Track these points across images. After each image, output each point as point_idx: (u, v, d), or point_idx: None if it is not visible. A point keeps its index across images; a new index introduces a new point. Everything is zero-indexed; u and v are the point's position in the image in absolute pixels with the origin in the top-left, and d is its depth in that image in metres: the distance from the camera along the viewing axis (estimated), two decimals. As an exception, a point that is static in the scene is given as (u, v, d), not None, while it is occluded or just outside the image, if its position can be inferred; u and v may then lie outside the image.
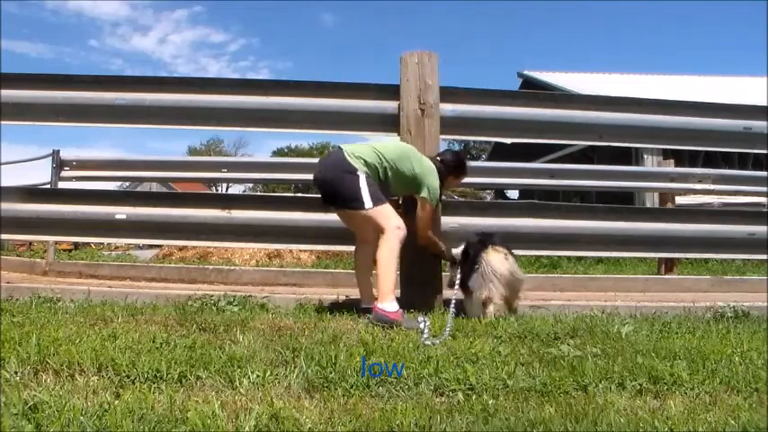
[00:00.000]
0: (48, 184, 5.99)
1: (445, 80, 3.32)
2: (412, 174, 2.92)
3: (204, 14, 78.03)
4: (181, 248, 8.34)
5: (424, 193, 2.93)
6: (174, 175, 6.76)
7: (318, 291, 3.23)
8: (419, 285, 3.15)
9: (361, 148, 2.93)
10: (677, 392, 1.69)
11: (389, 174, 2.90)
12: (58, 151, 6.02)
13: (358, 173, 2.80)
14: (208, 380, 1.67)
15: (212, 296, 3.12)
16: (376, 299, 2.76)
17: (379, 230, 2.78)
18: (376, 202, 2.77)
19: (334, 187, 2.87)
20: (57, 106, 3.53)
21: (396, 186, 2.96)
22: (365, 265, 3.04)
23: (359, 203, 2.76)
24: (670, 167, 6.10)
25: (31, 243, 8.63)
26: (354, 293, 3.13)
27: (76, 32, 77.01)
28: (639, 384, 1.74)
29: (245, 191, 25.38)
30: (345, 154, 2.87)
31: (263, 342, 2.18)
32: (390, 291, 2.69)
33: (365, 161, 2.85)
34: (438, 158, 3.08)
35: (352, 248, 3.14)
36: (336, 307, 3.06)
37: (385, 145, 2.99)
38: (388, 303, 2.65)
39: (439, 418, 1.40)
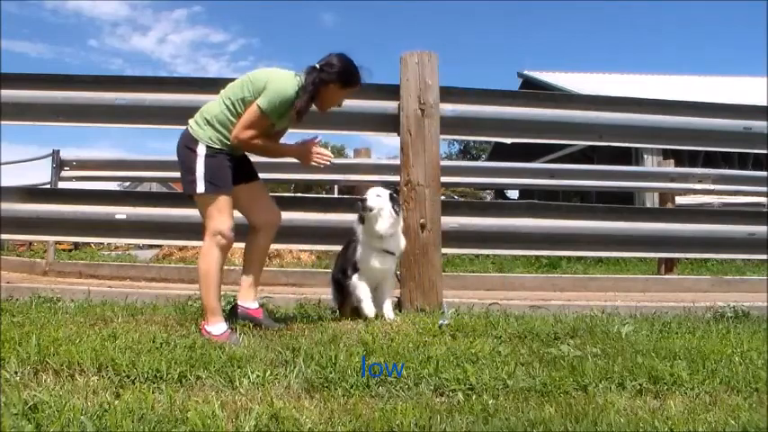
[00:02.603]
0: (48, 184, 6.00)
1: (445, 80, 3.32)
2: (260, 93, 2.40)
3: (203, 14, 77.98)
4: (181, 248, 8.32)
5: (258, 99, 2.39)
6: (174, 175, 6.74)
7: (318, 291, 3.23)
8: (420, 285, 3.14)
9: (207, 105, 2.52)
10: (677, 392, 1.69)
11: (242, 110, 2.42)
12: (58, 151, 6.02)
13: (198, 146, 2.39)
14: (208, 380, 1.67)
15: (212, 296, 3.11)
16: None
17: (203, 223, 2.40)
18: (212, 187, 2.36)
19: (180, 168, 2.47)
20: (57, 106, 3.53)
21: None
22: (253, 256, 2.66)
23: (193, 186, 2.37)
24: (670, 167, 6.11)
25: (31, 243, 8.63)
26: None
27: (76, 32, 77.20)
28: (639, 384, 1.74)
29: (245, 191, 25.36)
30: (189, 123, 2.48)
31: (263, 342, 2.18)
32: (214, 310, 2.34)
33: (208, 119, 2.43)
34: (316, 65, 2.48)
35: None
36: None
37: (229, 84, 2.53)
38: (213, 326, 2.31)
39: (439, 418, 1.40)
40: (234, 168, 2.47)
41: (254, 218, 2.64)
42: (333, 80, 2.47)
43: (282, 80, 2.42)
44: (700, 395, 1.67)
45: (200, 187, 2.36)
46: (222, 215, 2.38)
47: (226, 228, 2.37)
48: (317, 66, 2.48)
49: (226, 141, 2.43)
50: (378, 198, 2.70)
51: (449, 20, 76.04)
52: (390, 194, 2.74)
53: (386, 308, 2.82)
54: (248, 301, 2.61)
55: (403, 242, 2.87)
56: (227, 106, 2.44)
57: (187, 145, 2.43)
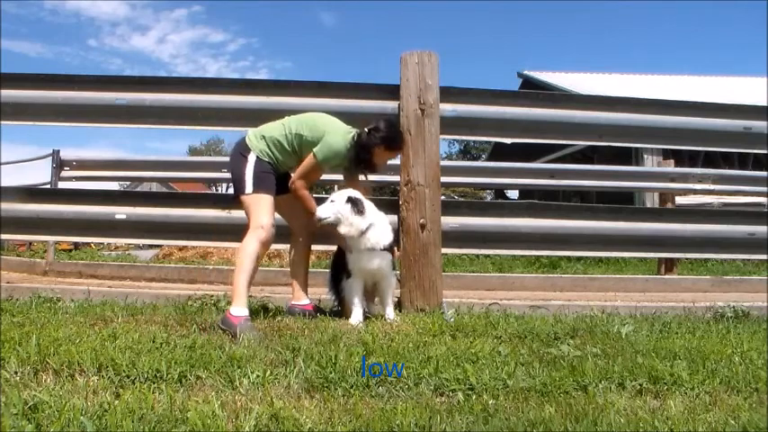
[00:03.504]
0: (48, 184, 6.01)
1: (445, 80, 3.33)
2: (316, 138, 2.78)
3: (203, 14, 78.15)
4: (181, 248, 8.33)
5: (315, 148, 2.78)
6: (174, 175, 6.77)
7: (318, 291, 3.23)
8: (420, 285, 3.14)
9: (269, 124, 2.88)
10: (677, 392, 1.69)
11: (296, 143, 2.80)
12: (58, 151, 6.03)
13: (249, 154, 2.75)
14: (208, 380, 1.67)
15: (212, 296, 3.13)
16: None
17: (248, 221, 2.69)
18: (257, 188, 2.69)
19: (230, 172, 2.86)
20: (57, 106, 3.53)
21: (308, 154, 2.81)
22: (295, 259, 3.06)
23: (242, 187, 2.71)
24: (670, 167, 6.11)
25: (31, 243, 8.64)
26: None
27: (75, 32, 77.22)
28: (639, 384, 1.74)
29: (245, 191, 25.34)
30: (247, 134, 2.84)
31: (263, 342, 2.18)
32: (240, 294, 2.53)
33: (264, 136, 2.79)
34: (366, 129, 2.87)
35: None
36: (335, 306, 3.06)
37: (295, 116, 2.90)
38: (235, 307, 2.49)
39: (439, 418, 1.40)
40: (278, 180, 2.81)
41: (294, 224, 3.02)
42: (377, 144, 2.84)
43: (338, 135, 2.81)
44: (700, 395, 1.67)
45: (249, 188, 2.69)
46: (263, 211, 2.66)
47: (267, 222, 2.64)
48: (366, 130, 2.86)
49: (273, 158, 2.79)
50: (331, 204, 2.74)
51: (449, 20, 76.07)
52: (348, 197, 2.73)
53: (387, 309, 2.85)
54: (301, 299, 2.99)
55: (386, 235, 2.80)
56: (284, 134, 2.80)
57: (241, 152, 2.78)
